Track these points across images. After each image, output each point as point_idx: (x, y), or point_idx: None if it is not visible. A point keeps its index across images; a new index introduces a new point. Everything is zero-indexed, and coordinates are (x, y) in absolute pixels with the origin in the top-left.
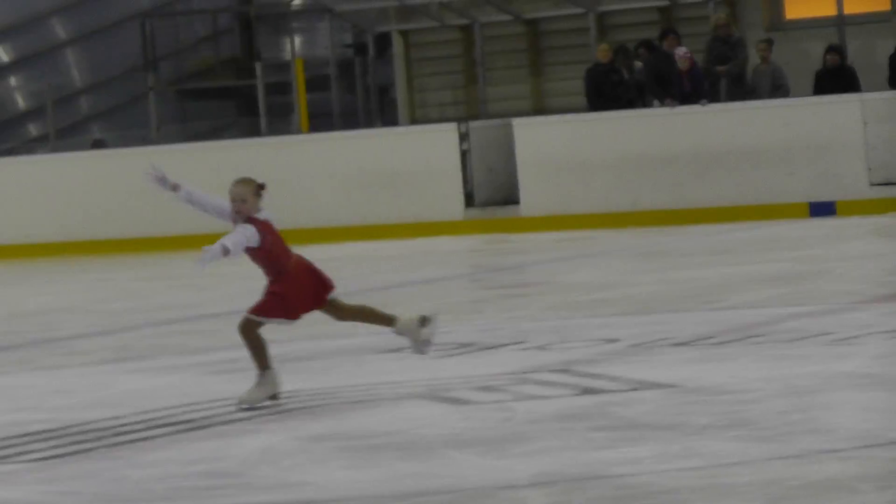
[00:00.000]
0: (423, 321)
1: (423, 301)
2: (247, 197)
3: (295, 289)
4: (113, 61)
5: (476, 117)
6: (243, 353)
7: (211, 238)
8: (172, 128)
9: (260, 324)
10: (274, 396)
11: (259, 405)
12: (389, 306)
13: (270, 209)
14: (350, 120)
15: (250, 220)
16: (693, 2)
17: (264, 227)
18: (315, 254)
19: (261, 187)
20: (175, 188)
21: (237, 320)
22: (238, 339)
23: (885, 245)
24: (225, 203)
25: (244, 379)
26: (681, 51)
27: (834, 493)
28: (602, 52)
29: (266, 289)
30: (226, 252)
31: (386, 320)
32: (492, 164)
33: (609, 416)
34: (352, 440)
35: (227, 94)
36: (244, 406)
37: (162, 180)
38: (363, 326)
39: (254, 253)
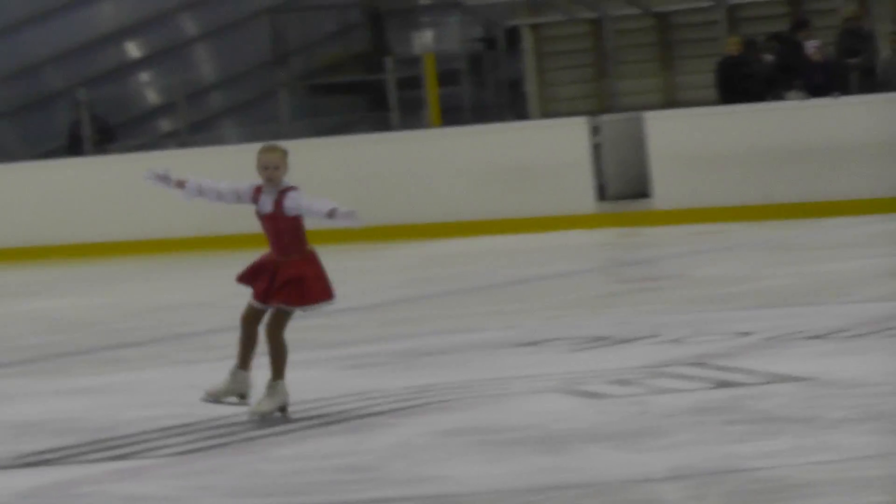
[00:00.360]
0: (281, 409)
1: (557, 294)
2: (279, 163)
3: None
4: (243, 57)
5: (607, 111)
6: (380, 348)
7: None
8: (302, 123)
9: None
10: (283, 408)
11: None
12: (524, 300)
13: (400, 204)
14: (481, 114)
15: (290, 187)
16: None
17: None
18: (447, 248)
19: (286, 154)
20: (181, 185)
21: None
22: (368, 333)
23: None
24: (239, 185)
25: (380, 374)
26: (813, 43)
27: None
28: (732, 45)
29: (295, 274)
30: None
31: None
32: (623, 157)
33: (744, 409)
34: (486, 434)
35: (356, 89)
36: (255, 417)
37: (164, 178)
38: (495, 321)
39: (286, 222)
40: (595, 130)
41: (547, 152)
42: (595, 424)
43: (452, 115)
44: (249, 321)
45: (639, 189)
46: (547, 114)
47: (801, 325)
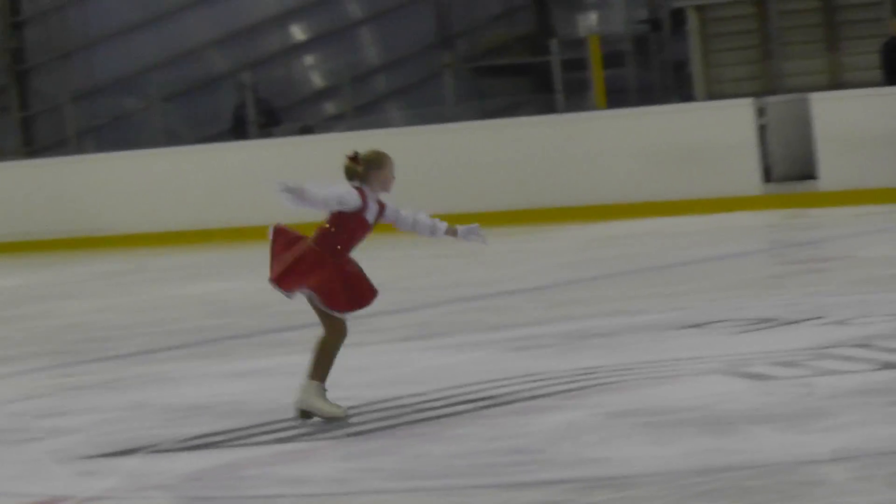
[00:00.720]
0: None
1: (722, 276)
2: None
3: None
4: (407, 39)
5: (772, 92)
6: (546, 330)
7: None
8: (467, 105)
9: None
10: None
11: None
12: (689, 282)
13: (565, 186)
14: (646, 96)
15: (361, 190)
16: None
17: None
18: (612, 230)
19: None
20: (300, 197)
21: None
22: (534, 315)
23: None
24: (340, 190)
25: (546, 356)
26: None
27: None
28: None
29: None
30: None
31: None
32: (789, 138)
33: None
34: (653, 416)
35: (521, 72)
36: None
37: (295, 190)
38: (660, 303)
39: (346, 222)
40: (760, 112)
41: (712, 134)
42: (760, 406)
43: (617, 97)
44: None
45: (805, 170)
46: (712, 95)
47: None
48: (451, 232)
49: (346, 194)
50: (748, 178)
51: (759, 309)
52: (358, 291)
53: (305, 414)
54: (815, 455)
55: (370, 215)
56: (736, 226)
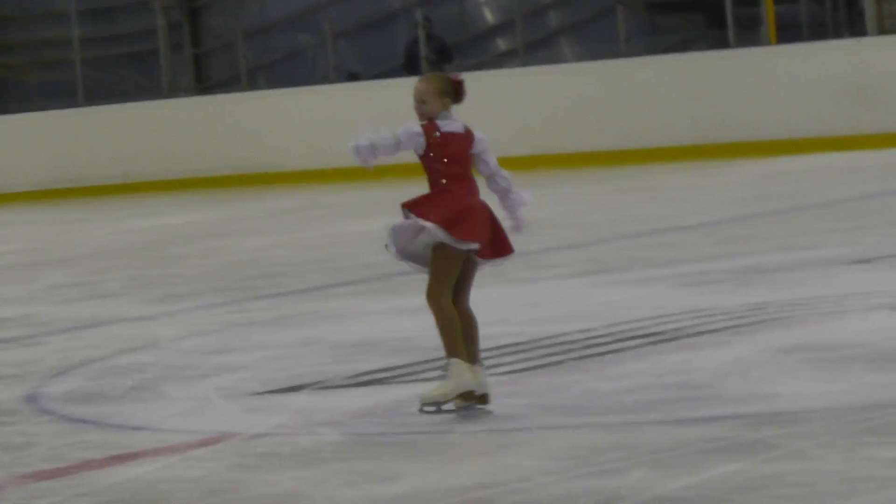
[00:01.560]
0: (482, 397)
1: (894, 211)
2: (426, 97)
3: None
4: None
5: None
6: (716, 266)
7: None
8: (641, 41)
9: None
10: (466, 397)
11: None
12: (861, 217)
13: (738, 122)
14: (818, 31)
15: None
16: None
17: (437, 137)
18: (784, 166)
19: (455, 84)
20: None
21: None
22: (705, 251)
23: None
24: (399, 131)
25: (715, 291)
26: None
27: None
28: None
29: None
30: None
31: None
32: None
33: None
34: (821, 352)
35: (694, 7)
36: (426, 409)
37: (370, 150)
38: (831, 238)
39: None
40: None
41: (884, 69)
42: None
43: (789, 33)
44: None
45: None
46: (884, 31)
47: None
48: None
49: (402, 132)
50: None
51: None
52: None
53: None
54: None
55: (449, 126)
56: None
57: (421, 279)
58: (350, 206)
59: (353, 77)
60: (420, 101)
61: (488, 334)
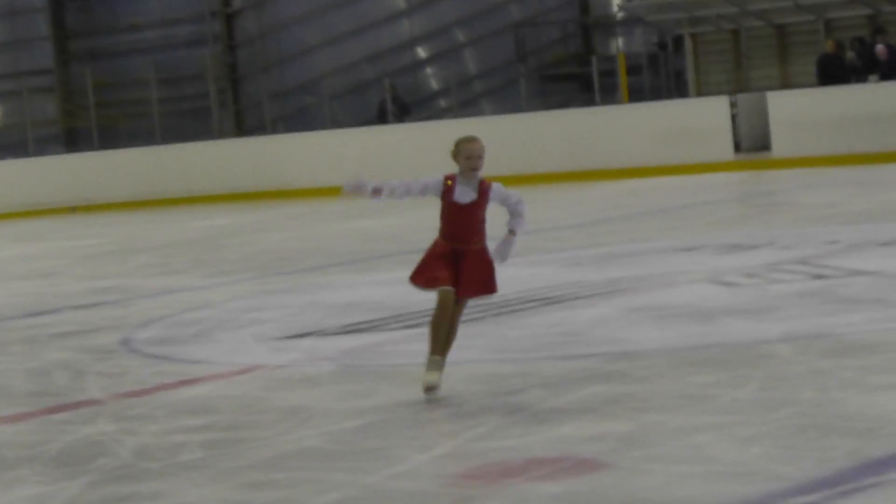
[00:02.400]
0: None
1: (707, 216)
2: (483, 153)
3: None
4: (496, 56)
5: (742, 91)
6: (585, 253)
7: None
8: (536, 101)
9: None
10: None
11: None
12: (685, 220)
13: (599, 154)
14: (656, 94)
15: (452, 177)
16: (892, 10)
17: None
18: (633, 185)
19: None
20: (376, 192)
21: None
22: (579, 242)
23: None
24: (426, 180)
25: (585, 270)
26: (880, 47)
27: None
28: (828, 46)
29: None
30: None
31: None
32: (753, 122)
33: (834, 293)
34: (659, 310)
35: (572, 78)
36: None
37: (360, 187)
38: (665, 234)
39: (483, 212)
40: (733, 105)
41: (700, 120)
42: (731, 304)
43: (637, 95)
44: (448, 306)
45: (763, 144)
46: (700, 94)
47: (873, 235)
48: (508, 231)
49: (430, 181)
50: (724, 150)
51: (731, 237)
52: (427, 271)
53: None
54: (768, 337)
55: (460, 197)
56: (716, 182)
57: (388, 261)
58: (340, 212)
59: (341, 125)
60: (478, 157)
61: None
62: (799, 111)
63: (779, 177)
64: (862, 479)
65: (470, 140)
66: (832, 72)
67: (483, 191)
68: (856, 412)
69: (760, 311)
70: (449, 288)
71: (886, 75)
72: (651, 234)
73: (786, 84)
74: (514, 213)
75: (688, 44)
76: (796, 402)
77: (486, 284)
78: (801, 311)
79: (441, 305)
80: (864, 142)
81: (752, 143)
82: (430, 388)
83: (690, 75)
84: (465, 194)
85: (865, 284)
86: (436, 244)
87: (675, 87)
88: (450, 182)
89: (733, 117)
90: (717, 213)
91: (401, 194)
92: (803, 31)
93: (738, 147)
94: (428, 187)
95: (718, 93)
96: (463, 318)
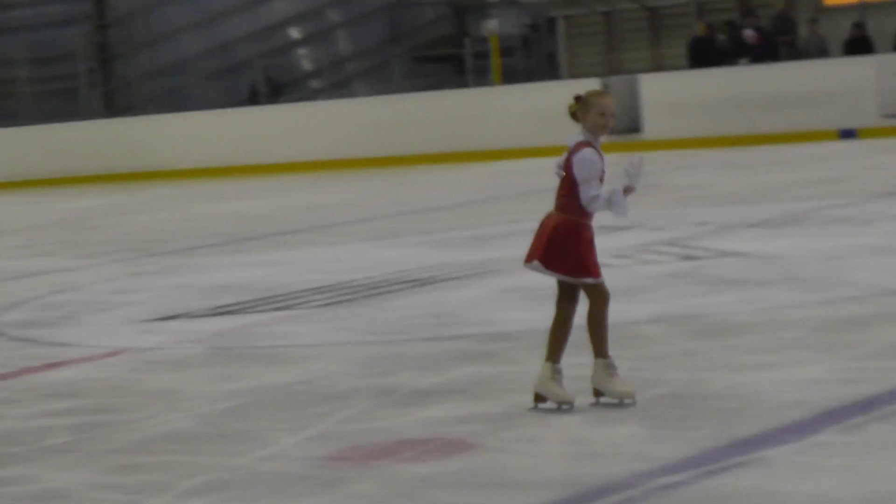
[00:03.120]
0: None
1: None
2: (615, 112)
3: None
4: (370, 37)
5: (614, 73)
6: (456, 234)
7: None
8: (410, 82)
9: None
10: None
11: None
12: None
13: (470, 135)
14: (528, 77)
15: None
16: None
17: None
18: (503, 167)
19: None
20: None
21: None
22: (452, 224)
23: (891, 158)
24: (594, 187)
25: (457, 251)
26: (748, 32)
27: (857, 326)
28: (700, 29)
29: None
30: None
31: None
32: (624, 104)
33: (703, 274)
34: (528, 291)
35: (445, 60)
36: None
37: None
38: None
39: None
40: (605, 87)
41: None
42: None
43: (510, 77)
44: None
45: (635, 126)
46: (573, 76)
47: (743, 217)
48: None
49: (594, 166)
50: None
51: (603, 219)
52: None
53: (598, 393)
54: (638, 318)
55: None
56: None
57: (259, 244)
58: (210, 193)
59: (213, 106)
60: (612, 115)
61: (304, 280)
62: (670, 94)
63: (650, 158)
64: (728, 459)
65: (603, 93)
66: (703, 55)
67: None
68: (723, 392)
69: (630, 292)
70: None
71: (757, 58)
72: (523, 216)
73: (658, 67)
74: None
75: (560, 26)
76: (664, 383)
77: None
78: (670, 292)
79: (607, 298)
80: (734, 124)
81: (623, 124)
82: (630, 396)
83: (563, 57)
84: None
85: (734, 265)
86: (586, 228)
87: (547, 69)
88: (596, 148)
89: None
90: None
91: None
92: (675, 13)
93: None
94: (596, 166)
95: (590, 75)
96: (334, 300)
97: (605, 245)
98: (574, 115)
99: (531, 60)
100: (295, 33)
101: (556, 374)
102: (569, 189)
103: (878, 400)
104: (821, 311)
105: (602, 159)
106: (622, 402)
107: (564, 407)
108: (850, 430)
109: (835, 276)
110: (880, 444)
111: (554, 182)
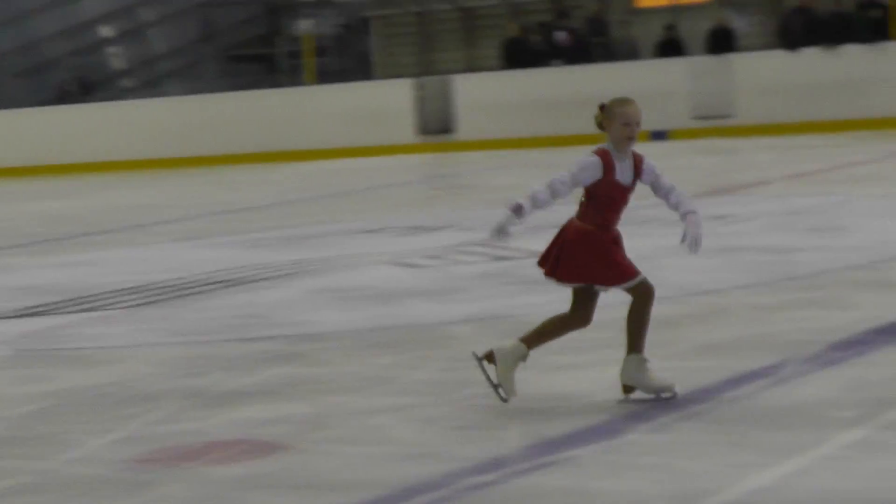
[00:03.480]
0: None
1: (392, 197)
2: (640, 119)
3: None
4: (183, 36)
5: (428, 73)
6: (269, 234)
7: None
8: (222, 81)
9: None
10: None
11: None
12: (369, 201)
13: (286, 135)
14: (343, 76)
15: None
16: None
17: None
18: (319, 167)
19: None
20: (517, 211)
21: None
22: (265, 224)
23: (702, 159)
24: (581, 163)
25: (269, 251)
26: (560, 34)
27: (667, 326)
28: (513, 30)
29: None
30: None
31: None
32: (438, 105)
33: (514, 275)
34: (342, 292)
35: (259, 59)
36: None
37: (502, 228)
38: (348, 216)
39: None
40: (419, 87)
41: (384, 101)
42: (414, 285)
43: (323, 77)
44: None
45: (449, 126)
46: (386, 76)
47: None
48: (684, 217)
49: (586, 163)
50: (408, 132)
51: (415, 219)
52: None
53: (629, 389)
54: (450, 318)
55: (622, 176)
56: (401, 165)
57: (68, 244)
58: (18, 193)
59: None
60: (637, 125)
61: (115, 281)
62: (484, 94)
63: (463, 159)
64: (538, 458)
65: (626, 101)
66: (517, 56)
67: (638, 167)
68: (534, 392)
69: (443, 293)
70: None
71: (570, 60)
72: (335, 216)
73: (471, 67)
74: (671, 193)
75: (374, 26)
76: (476, 383)
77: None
78: (482, 293)
79: (649, 292)
80: (547, 125)
81: (437, 125)
82: (669, 389)
83: (377, 57)
84: (624, 173)
85: None
86: (594, 235)
87: (361, 69)
88: (607, 157)
89: (420, 100)
90: (402, 196)
91: (551, 199)
92: (489, 14)
93: (424, 129)
94: (585, 170)
95: (404, 75)
96: (144, 301)
97: (418, 245)
98: (600, 125)
99: (345, 60)
100: (106, 31)
101: (643, 363)
102: (584, 196)
103: (685, 399)
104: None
105: (629, 172)
106: (659, 397)
107: (665, 395)
108: (660, 428)
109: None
110: (689, 442)
111: (376, 182)
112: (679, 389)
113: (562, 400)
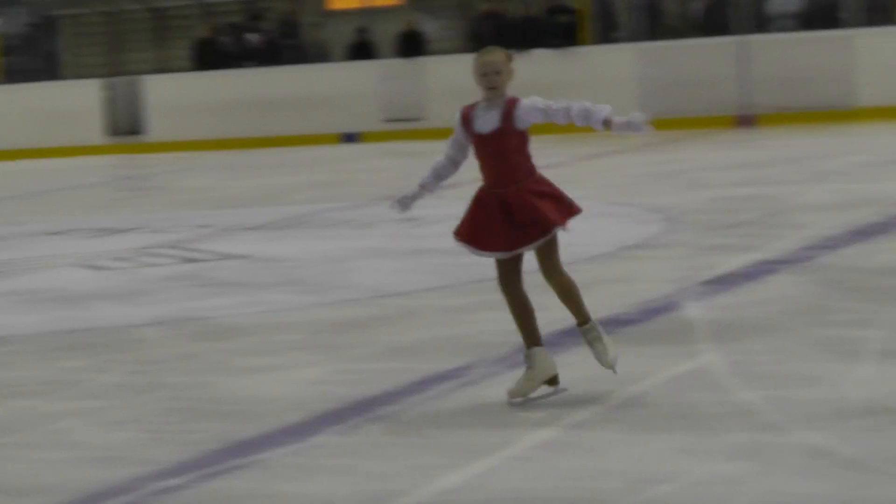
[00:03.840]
0: (554, 378)
1: (79, 198)
2: (501, 67)
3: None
4: None
5: (118, 74)
6: None
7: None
8: None
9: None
10: (551, 381)
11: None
12: (56, 203)
13: None
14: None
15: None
16: None
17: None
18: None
19: (510, 57)
20: (424, 189)
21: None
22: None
23: (392, 161)
24: (449, 148)
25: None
26: (250, 36)
27: (356, 328)
28: (205, 31)
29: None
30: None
31: (580, 315)
32: (127, 107)
33: (203, 277)
34: (25, 295)
35: None
36: (516, 400)
37: (405, 203)
38: (34, 217)
39: (517, 139)
40: (109, 87)
41: (72, 101)
42: (101, 288)
43: (11, 76)
44: (511, 281)
45: (138, 127)
46: (75, 76)
47: (244, 220)
48: (607, 123)
49: (455, 136)
50: (96, 133)
51: (103, 222)
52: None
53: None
54: (140, 321)
55: (480, 124)
56: (88, 166)
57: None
58: None
59: None
60: (495, 73)
61: None
62: (174, 95)
63: (153, 160)
64: (227, 461)
65: (483, 52)
66: (208, 57)
67: (508, 111)
68: (224, 395)
69: (130, 295)
70: (503, 254)
71: (262, 62)
72: (21, 218)
73: (162, 68)
74: (580, 115)
75: (63, 25)
76: (165, 386)
77: (540, 224)
78: (171, 295)
79: (502, 281)
80: (238, 126)
81: (127, 126)
82: (555, 383)
83: (65, 57)
84: (487, 122)
85: (234, 268)
86: (477, 194)
87: (49, 68)
88: (466, 110)
89: (109, 100)
90: (89, 197)
91: (448, 173)
92: (180, 15)
93: (113, 130)
94: (455, 128)
95: (93, 75)
96: None
97: (105, 247)
98: None
99: (33, 60)
100: None
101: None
102: None
103: (374, 401)
104: (320, 313)
105: (496, 120)
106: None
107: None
108: (348, 430)
109: (334, 279)
110: (376, 444)
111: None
112: (373, 391)
113: (251, 402)
